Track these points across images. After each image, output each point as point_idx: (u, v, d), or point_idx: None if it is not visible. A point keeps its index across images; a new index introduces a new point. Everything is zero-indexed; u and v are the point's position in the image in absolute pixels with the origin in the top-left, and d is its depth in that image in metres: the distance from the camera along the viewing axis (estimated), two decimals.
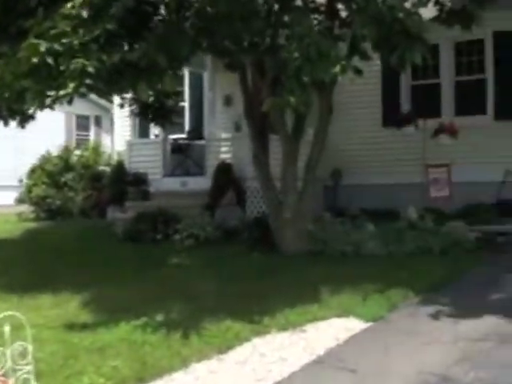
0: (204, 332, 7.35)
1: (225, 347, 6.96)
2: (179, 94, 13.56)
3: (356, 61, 10.49)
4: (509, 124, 14.82)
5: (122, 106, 12.05)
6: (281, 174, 12.01)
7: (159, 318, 7.89)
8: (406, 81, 16.11)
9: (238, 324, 7.58)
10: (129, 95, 11.29)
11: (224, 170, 15.32)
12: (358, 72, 10.04)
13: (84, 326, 7.65)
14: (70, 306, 8.69)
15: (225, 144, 16.64)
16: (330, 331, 7.50)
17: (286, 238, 11.82)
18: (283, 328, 7.56)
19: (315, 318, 7.86)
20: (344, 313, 8.05)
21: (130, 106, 12.03)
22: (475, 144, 14.97)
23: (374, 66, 15.56)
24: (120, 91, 10.07)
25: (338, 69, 8.34)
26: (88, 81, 8.09)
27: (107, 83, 8.38)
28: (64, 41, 8.04)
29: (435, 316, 7.82)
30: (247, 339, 7.21)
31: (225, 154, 16.27)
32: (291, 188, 11.81)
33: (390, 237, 11.43)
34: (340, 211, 15.39)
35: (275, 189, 12.29)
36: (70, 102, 8.48)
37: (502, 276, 9.70)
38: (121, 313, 7.98)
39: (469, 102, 15.49)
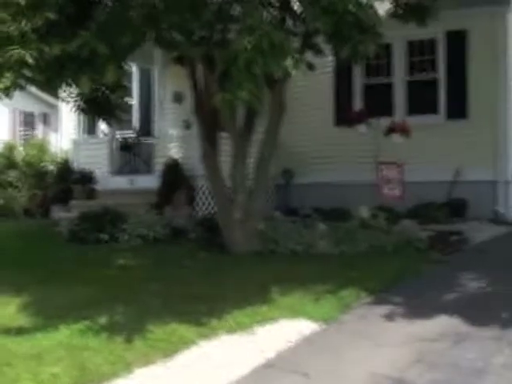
0: (149, 335, 7.00)
1: (170, 351, 6.63)
2: (126, 89, 13.15)
3: (309, 57, 10.33)
4: (460, 123, 14.79)
5: (66, 101, 11.62)
6: (230, 173, 11.71)
7: (102, 321, 7.51)
8: (358, 79, 15.98)
9: (184, 326, 7.25)
10: (73, 90, 10.85)
11: (173, 168, 14.99)
12: (311, 67, 9.82)
13: (21, 331, 7.23)
14: (8, 309, 8.24)
15: (174, 142, 16.29)
16: (280, 333, 7.23)
17: (236, 237, 11.53)
18: (232, 330, 7.26)
19: (265, 320, 7.57)
20: (295, 314, 7.78)
21: (75, 101, 11.58)
22: (427, 143, 14.93)
23: (326, 63, 15.56)
24: (61, 84, 9.66)
25: (290, 62, 8.04)
26: (27, 72, 7.71)
27: (47, 75, 8.00)
28: (1, 30, 7.65)
29: (389, 316, 7.59)
30: (194, 342, 6.89)
31: (174, 151, 15.92)
32: (241, 187, 11.53)
33: (342, 236, 11.21)
34: (292, 210, 15.29)
35: (225, 187, 11.99)
36: (8, 96, 8.06)
37: (454, 275, 9.54)
38: (61, 316, 7.59)
39: (421, 101, 15.44)
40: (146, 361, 6.35)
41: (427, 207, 14.12)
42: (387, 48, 15.48)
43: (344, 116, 15.29)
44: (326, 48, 10.71)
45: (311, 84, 16.12)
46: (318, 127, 16.28)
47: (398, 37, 15.27)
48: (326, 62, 15.46)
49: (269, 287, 8.77)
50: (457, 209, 14.26)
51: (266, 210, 14.39)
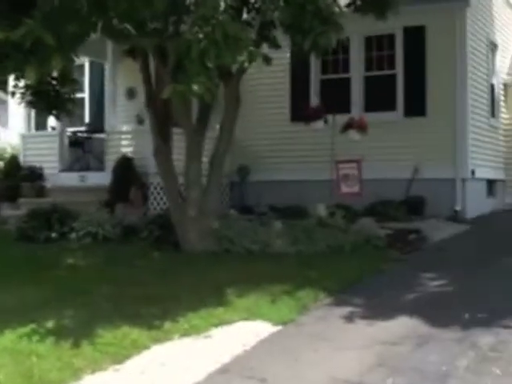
0: (98, 340, 6.63)
1: (121, 356, 6.27)
2: (76, 83, 12.72)
3: (265, 50, 10.05)
4: (418, 121, 14.63)
5: (13, 94, 11.15)
6: (184, 169, 11.36)
7: (49, 324, 7.12)
8: (315, 75, 15.76)
9: (136, 330, 6.89)
10: (20, 82, 10.41)
11: (125, 164, 14.59)
12: (267, 60, 9.53)
13: None
14: None
15: (126, 137, 15.90)
16: (236, 336, 6.92)
17: (190, 236, 11.19)
18: (186, 333, 6.92)
19: (221, 322, 7.25)
20: (251, 316, 7.47)
21: (22, 94, 11.13)
22: (385, 140, 14.77)
23: (283, 59, 15.32)
24: (5, 75, 9.23)
25: (245, 55, 7.73)
26: None
27: None
28: None
29: (348, 318, 7.33)
30: (146, 347, 6.54)
31: (126, 148, 15.52)
32: (195, 183, 11.18)
33: (298, 235, 10.93)
34: (247, 208, 15.06)
35: (178, 184, 11.64)
36: None
37: (414, 275, 9.34)
38: (7, 319, 7.19)
39: (379, 97, 15.27)
40: (96, 367, 6.00)
41: (385, 205, 13.93)
42: (345, 43, 15.25)
43: (300, 112, 15.00)
44: (284, 40, 10.47)
45: (267, 79, 15.91)
46: (274, 123, 16.02)
47: (356, 32, 15.08)
48: (283, 58, 15.26)
49: (224, 288, 8.46)
50: (415, 207, 14.10)
51: (220, 207, 14.13)
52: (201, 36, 7.59)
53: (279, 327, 7.16)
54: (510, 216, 15.44)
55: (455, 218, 13.87)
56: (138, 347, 6.49)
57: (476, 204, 14.77)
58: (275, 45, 10.37)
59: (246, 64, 7.82)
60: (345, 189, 13.47)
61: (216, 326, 7.16)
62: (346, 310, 7.61)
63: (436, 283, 8.79)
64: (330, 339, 6.72)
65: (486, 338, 6.38)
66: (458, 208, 14.15)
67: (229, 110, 11.20)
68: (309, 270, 9.31)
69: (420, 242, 11.30)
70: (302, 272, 9.27)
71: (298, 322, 7.33)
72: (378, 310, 7.58)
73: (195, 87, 7.60)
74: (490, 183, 16.13)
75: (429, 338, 6.49)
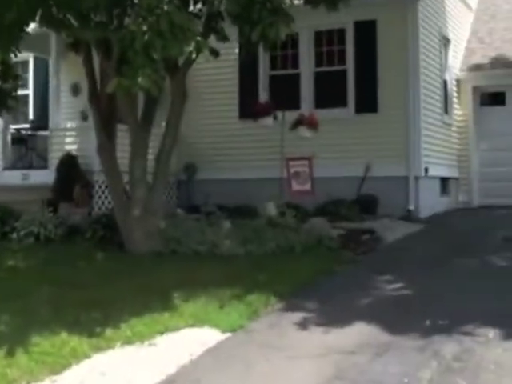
0: (35, 348, 6.17)
1: (59, 366, 5.82)
2: (19, 78, 12.21)
3: (213, 44, 9.62)
4: (370, 117, 14.34)
5: None
6: (129, 167, 10.88)
7: None
8: (264, 70, 15.38)
9: (75, 337, 6.43)
10: None
11: (69, 162, 14.02)
12: (215, 53, 9.11)
13: None
14: None
15: (70, 135, 15.33)
16: (182, 344, 6.50)
17: (135, 236, 10.72)
18: (129, 341, 6.48)
19: (166, 329, 6.82)
20: (199, 322, 7.05)
21: None
22: (336, 137, 14.48)
23: (231, 54, 14.94)
24: None
25: (193, 46, 7.29)
26: None
27: None
28: None
29: (302, 325, 6.94)
30: (86, 355, 6.10)
31: (70, 145, 14.95)
32: (140, 182, 10.71)
33: (248, 235, 10.52)
34: (194, 208, 14.69)
35: (123, 183, 11.15)
36: None
37: (369, 277, 8.99)
38: None
39: (329, 93, 14.96)
40: (31, 378, 5.56)
41: (336, 204, 13.60)
42: (294, 38, 14.94)
43: (249, 109, 14.57)
44: (232, 33, 10.05)
45: (216, 75, 15.52)
46: (223, 120, 15.61)
47: (306, 27, 14.73)
48: (231, 54, 14.90)
49: (170, 292, 8.04)
50: (367, 206, 13.80)
51: (167, 206, 13.74)
52: (145, 27, 7.13)
53: (228, 334, 6.76)
54: (463, 215, 15.22)
55: (408, 217, 13.60)
56: (77, 356, 6.06)
57: (429, 203, 14.52)
58: (223, 37, 9.95)
59: (194, 55, 7.40)
60: (296, 187, 13.07)
61: (161, 333, 6.74)
62: (300, 315, 7.23)
63: (392, 286, 8.45)
64: (283, 348, 6.33)
65: (449, 347, 6.04)
66: (411, 207, 13.88)
67: (175, 104, 10.74)
68: (259, 273, 8.91)
69: (374, 242, 10.95)
70: (251, 274, 8.86)
71: (248, 329, 6.93)
72: (334, 315, 7.21)
73: (140, 80, 7.14)
74: (444, 181, 15.90)
75: (388, 347, 6.13)
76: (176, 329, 6.86)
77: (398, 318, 7.02)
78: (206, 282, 8.48)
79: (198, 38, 7.49)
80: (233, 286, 8.15)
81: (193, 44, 7.32)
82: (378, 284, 8.59)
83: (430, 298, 7.86)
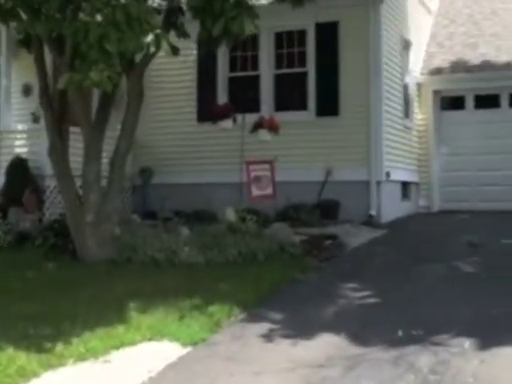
0: None
1: None
2: None
3: (173, 41, 9.17)
4: (331, 120, 14.01)
5: None
6: (82, 171, 10.36)
7: None
8: (223, 72, 14.93)
9: (23, 354, 5.94)
10: None
11: (19, 166, 13.43)
12: (175, 50, 8.66)
13: None
14: None
15: (21, 137, 14.73)
16: (140, 360, 6.07)
17: (88, 243, 10.20)
18: (82, 358, 6.02)
19: (122, 344, 6.36)
20: (157, 335, 6.61)
21: None
22: (297, 141, 14.08)
23: (190, 56, 14.53)
24: None
25: (151, 39, 6.84)
26: None
27: None
28: None
29: (267, 336, 6.54)
30: (36, 374, 5.63)
31: (21, 148, 14.35)
32: (94, 186, 10.20)
33: (208, 242, 10.07)
34: (151, 213, 14.21)
35: (76, 187, 10.61)
36: None
37: (334, 284, 8.62)
38: None
39: (290, 96, 14.61)
40: None
41: (297, 209, 13.24)
42: (254, 39, 14.57)
43: (208, 111, 14.14)
44: (192, 32, 9.63)
45: (174, 76, 15.10)
46: (181, 123, 15.12)
47: (266, 28, 14.33)
48: (190, 55, 14.50)
49: (126, 303, 7.58)
50: (328, 211, 13.44)
51: (122, 212, 13.26)
52: (100, 18, 6.66)
53: (189, 348, 6.33)
54: (425, 220, 14.95)
55: (370, 222, 13.27)
56: (25, 375, 5.59)
57: (391, 208, 14.22)
58: (183, 33, 9.52)
59: (152, 49, 6.93)
60: (256, 191, 12.63)
61: (117, 348, 6.28)
62: (264, 326, 6.83)
63: (359, 294, 8.08)
64: (248, 361, 5.93)
65: (424, 358, 5.69)
66: (372, 212, 13.55)
67: (131, 105, 10.24)
68: (220, 281, 8.48)
69: (337, 248, 10.57)
70: (212, 283, 8.43)
71: (210, 342, 6.50)
72: (300, 326, 6.82)
73: (93, 75, 6.66)
74: (405, 186, 15.61)
75: (360, 359, 5.75)
76: (133, 343, 6.41)
77: (367, 328, 6.67)
78: (165, 291, 8.03)
79: (157, 31, 7.04)
80: (193, 296, 7.72)
81: (151, 37, 6.87)
82: (344, 292, 8.23)
83: (399, 305, 7.51)
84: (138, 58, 9.38)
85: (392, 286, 8.43)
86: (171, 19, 9.32)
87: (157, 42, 6.95)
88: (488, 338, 6.15)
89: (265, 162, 12.86)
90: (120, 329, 6.70)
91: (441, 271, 9.19)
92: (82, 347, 6.19)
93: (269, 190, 12.61)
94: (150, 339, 6.53)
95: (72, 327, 6.66)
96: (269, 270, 9.18)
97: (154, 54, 9.21)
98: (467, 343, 6.01)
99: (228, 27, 7.57)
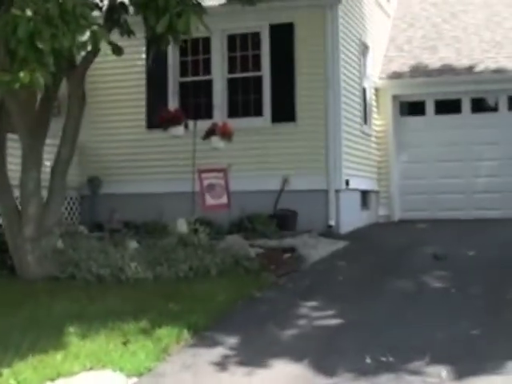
0: None
1: None
2: None
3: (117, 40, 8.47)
4: (288, 127, 13.41)
5: None
6: (20, 180, 9.58)
7: None
8: (173, 77, 14.26)
9: None
10: None
11: None
12: (118, 50, 7.95)
13: None
14: None
15: None
16: None
17: (28, 259, 9.42)
18: None
19: (59, 374, 5.65)
20: (98, 364, 5.89)
21: None
22: (251, 148, 13.51)
23: (138, 61, 13.89)
24: None
25: (88, 36, 6.13)
26: None
27: None
28: None
29: (221, 365, 5.86)
30: None
31: None
32: (33, 197, 9.41)
33: (157, 256, 9.34)
34: (99, 225, 13.51)
35: (14, 198, 9.82)
36: None
37: (293, 303, 7.94)
38: None
39: (244, 101, 13.96)
40: None
41: (253, 220, 12.60)
42: (206, 42, 13.93)
43: (158, 117, 13.40)
44: (139, 31, 8.93)
45: (121, 81, 14.41)
46: (130, 130, 14.38)
47: (218, 30, 13.70)
48: (138, 59, 13.85)
49: (65, 326, 6.82)
50: (285, 221, 12.83)
51: (68, 224, 12.53)
52: (30, 12, 5.94)
53: (134, 380, 5.63)
54: (386, 230, 14.38)
55: (329, 233, 12.67)
56: None
57: (351, 217, 13.64)
58: (128, 31, 8.81)
59: (89, 47, 6.22)
60: (210, 201, 11.93)
61: (52, 379, 5.59)
62: (218, 352, 6.15)
63: (322, 313, 7.41)
64: None
65: None
66: (331, 222, 12.97)
67: (72, 108, 9.46)
68: (170, 300, 7.75)
69: (296, 262, 9.89)
70: (161, 303, 7.70)
71: (157, 372, 5.81)
72: (258, 351, 6.14)
73: (23, 76, 5.93)
74: (364, 194, 15.06)
75: None
76: (71, 373, 5.70)
77: (332, 354, 6.01)
78: (108, 312, 7.30)
79: (95, 28, 6.33)
80: (139, 318, 7.00)
81: (88, 34, 6.18)
82: (304, 311, 7.56)
83: (365, 327, 6.88)
84: (78, 58, 8.65)
85: (357, 304, 7.78)
86: (113, 16, 8.60)
87: (94, 39, 6.26)
88: (465, 364, 5.55)
89: (218, 169, 12.17)
90: (57, 357, 5.97)
91: (408, 287, 8.56)
92: (12, 380, 5.47)
93: (223, 199, 11.93)
94: (90, 369, 5.81)
95: (2, 355, 5.91)
96: (222, 286, 8.48)
97: (95, 54, 8.52)
98: (444, 372, 5.40)
99: (173, 24, 6.89)
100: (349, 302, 7.86)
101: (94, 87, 14.28)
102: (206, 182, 11.93)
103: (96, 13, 7.76)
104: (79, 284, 9.01)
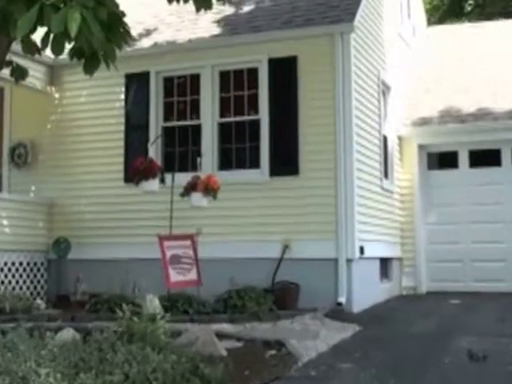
0: None
1: None
2: None
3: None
4: (290, 181, 11.23)
5: None
6: None
7: None
8: (156, 121, 12.19)
9: None
10: None
11: None
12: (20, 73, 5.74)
13: None
14: None
15: None
16: None
17: None
18: None
19: None
20: None
21: None
22: (244, 208, 11.45)
23: (116, 102, 11.97)
24: None
25: None
26: None
27: None
28: None
29: None
30: None
31: None
32: None
33: (86, 357, 6.70)
34: (64, 296, 11.92)
35: None
36: None
37: None
38: None
39: (238, 150, 11.80)
40: None
41: (243, 294, 10.26)
42: (194, 80, 11.81)
43: (129, 169, 11.21)
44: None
45: (97, 124, 12.52)
46: (104, 184, 12.39)
47: (208, 65, 11.68)
48: (116, 101, 12.15)
49: None
50: (284, 297, 10.58)
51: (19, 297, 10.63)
52: None
53: None
54: (409, 308, 11.82)
55: (339, 313, 10.28)
56: None
57: (366, 292, 11.21)
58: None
59: None
60: (176, 277, 9.51)
61: None
62: None
63: None
64: None
65: None
66: (341, 299, 10.57)
67: None
68: None
69: (281, 364, 7.22)
70: None
71: None
72: None
73: None
74: (384, 263, 12.62)
75: None
76: None
77: None
78: None
79: None
80: None
81: None
82: None
83: None
84: None
85: None
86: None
87: None
88: None
89: (184, 237, 9.79)
90: None
91: None
92: None
93: (192, 275, 9.55)
94: None
95: None
96: None
97: None
98: None
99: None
100: None
101: (65, 133, 12.36)
102: (169, 253, 9.52)
103: None
104: None
